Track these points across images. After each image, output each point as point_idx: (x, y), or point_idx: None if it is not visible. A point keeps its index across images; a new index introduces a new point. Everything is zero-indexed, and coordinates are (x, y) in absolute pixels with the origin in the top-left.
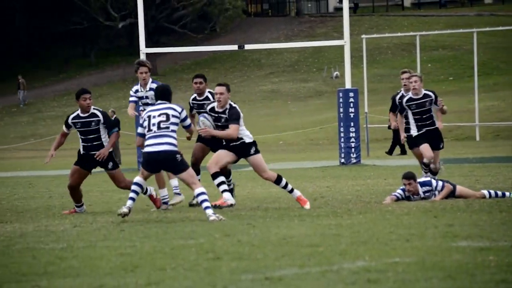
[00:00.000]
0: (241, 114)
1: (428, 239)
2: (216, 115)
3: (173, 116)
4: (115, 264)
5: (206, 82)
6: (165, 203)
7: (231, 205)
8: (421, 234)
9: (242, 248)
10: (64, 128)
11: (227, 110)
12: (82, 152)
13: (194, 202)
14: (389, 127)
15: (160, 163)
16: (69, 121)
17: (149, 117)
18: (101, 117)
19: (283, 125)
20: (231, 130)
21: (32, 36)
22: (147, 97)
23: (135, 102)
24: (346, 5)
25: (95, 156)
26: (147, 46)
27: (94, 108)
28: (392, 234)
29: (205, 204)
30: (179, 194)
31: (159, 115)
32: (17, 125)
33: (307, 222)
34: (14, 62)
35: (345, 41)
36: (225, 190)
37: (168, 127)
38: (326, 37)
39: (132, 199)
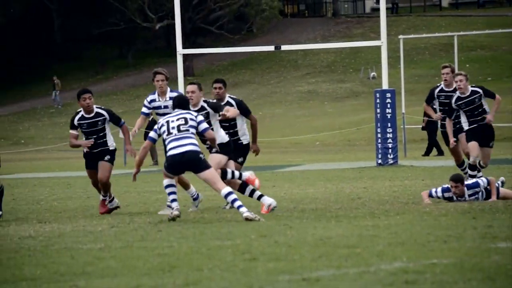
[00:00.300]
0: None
1: (467, 240)
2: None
3: (191, 119)
4: (152, 264)
5: (226, 87)
6: (195, 199)
7: (274, 207)
8: (459, 236)
9: (278, 249)
10: (72, 131)
11: (206, 106)
12: (85, 151)
13: (228, 207)
14: (422, 128)
15: (185, 164)
16: (75, 122)
17: (167, 122)
18: (106, 115)
19: (319, 126)
20: (232, 110)
21: (69, 37)
22: (166, 107)
23: (147, 114)
24: (383, 6)
25: (127, 153)
26: (184, 47)
27: (97, 107)
28: (430, 235)
29: (237, 203)
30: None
31: (177, 119)
32: (55, 126)
33: (344, 223)
34: (52, 63)
35: (382, 42)
36: (261, 196)
37: (188, 130)
38: (363, 37)
39: (176, 200)
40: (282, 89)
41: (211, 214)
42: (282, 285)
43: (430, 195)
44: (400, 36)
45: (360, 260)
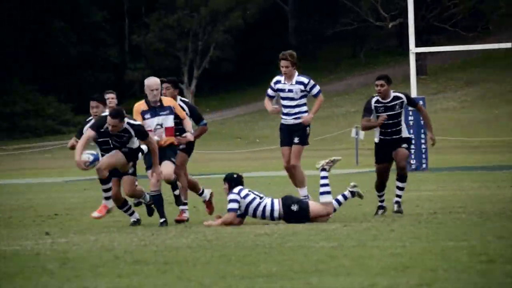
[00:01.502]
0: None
1: None
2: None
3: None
4: (385, 263)
5: (390, 84)
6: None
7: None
8: None
9: None
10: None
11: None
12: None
13: (380, 212)
14: None
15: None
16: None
17: (251, 191)
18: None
19: None
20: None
21: (303, 38)
22: (290, 90)
23: (271, 97)
24: None
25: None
26: (416, 45)
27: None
28: None
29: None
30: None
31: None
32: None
33: None
34: None
35: None
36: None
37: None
38: None
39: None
40: None
41: (445, 214)
42: None
43: None
44: None
45: None
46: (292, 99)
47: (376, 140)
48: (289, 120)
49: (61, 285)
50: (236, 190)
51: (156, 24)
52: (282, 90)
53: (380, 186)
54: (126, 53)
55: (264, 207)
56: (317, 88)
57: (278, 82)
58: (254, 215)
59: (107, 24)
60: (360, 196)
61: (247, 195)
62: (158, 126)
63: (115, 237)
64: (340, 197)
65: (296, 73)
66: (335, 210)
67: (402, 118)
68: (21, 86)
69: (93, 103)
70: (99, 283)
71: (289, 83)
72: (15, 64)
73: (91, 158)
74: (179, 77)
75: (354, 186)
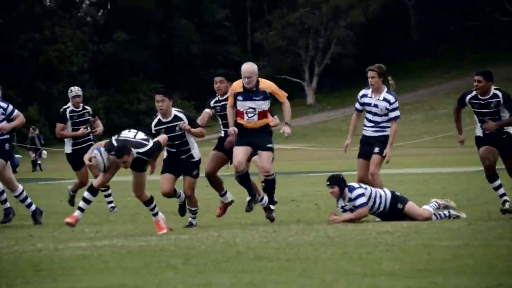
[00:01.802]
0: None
1: None
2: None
3: None
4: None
5: (489, 80)
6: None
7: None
8: None
9: None
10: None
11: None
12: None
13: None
14: None
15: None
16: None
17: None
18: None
19: None
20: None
21: (426, 34)
22: (376, 106)
23: (359, 111)
24: None
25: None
26: None
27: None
28: None
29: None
30: None
31: None
32: (411, 123)
33: None
34: (408, 60)
35: None
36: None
37: None
38: None
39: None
40: None
41: None
42: None
43: None
44: None
45: None
46: (376, 114)
47: (479, 133)
48: (370, 132)
49: (185, 280)
50: (356, 185)
51: (278, 22)
52: (368, 104)
53: (491, 175)
54: (248, 51)
55: (380, 195)
56: (397, 112)
57: (364, 96)
58: (372, 206)
59: (229, 22)
60: (458, 217)
61: (366, 186)
62: (251, 109)
63: (237, 233)
64: (441, 213)
65: (385, 89)
66: (436, 218)
67: (505, 114)
68: (146, 85)
69: (158, 97)
70: (222, 278)
71: (376, 97)
72: (141, 63)
73: (95, 151)
74: (301, 75)
75: (446, 206)
